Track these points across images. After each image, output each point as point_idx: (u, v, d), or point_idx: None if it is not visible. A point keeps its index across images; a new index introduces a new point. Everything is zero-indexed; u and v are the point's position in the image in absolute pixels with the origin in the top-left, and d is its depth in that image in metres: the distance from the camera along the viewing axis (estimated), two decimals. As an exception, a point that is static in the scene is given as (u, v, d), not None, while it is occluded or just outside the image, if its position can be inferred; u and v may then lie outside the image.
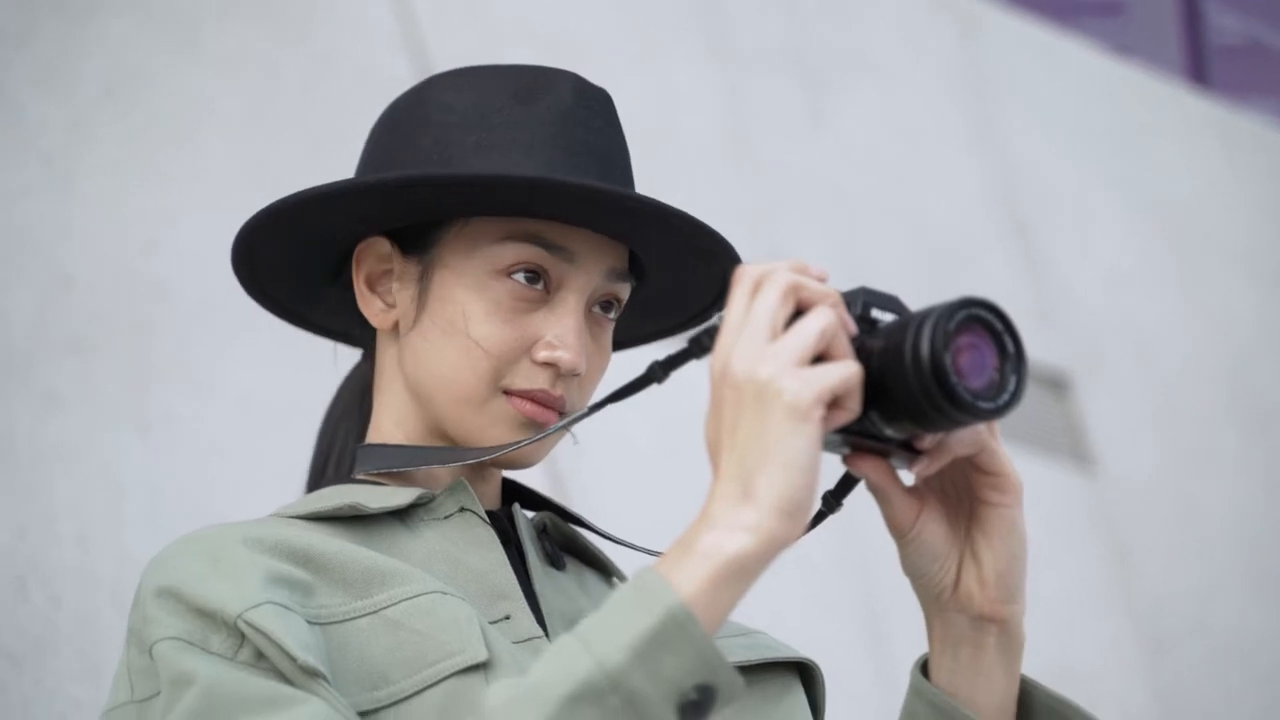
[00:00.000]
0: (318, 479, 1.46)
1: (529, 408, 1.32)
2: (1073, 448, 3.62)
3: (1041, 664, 3.07)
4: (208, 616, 1.16)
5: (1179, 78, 4.63)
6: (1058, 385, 3.64)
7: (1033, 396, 3.55)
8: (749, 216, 3.13)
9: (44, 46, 2.19)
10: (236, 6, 2.43)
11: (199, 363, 2.17)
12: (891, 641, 2.83)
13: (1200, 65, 4.91)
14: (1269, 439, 3.98)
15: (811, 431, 1.03)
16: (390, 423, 1.37)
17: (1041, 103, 3.96)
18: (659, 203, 1.32)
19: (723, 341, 1.07)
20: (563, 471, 2.53)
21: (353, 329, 1.44)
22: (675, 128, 3.08)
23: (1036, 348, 3.53)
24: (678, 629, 1.02)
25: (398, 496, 1.32)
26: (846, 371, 1.05)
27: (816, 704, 1.38)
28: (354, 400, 1.46)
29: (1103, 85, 4.14)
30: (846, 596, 2.88)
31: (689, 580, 1.03)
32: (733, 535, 1.03)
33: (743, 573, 1.04)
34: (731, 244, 1.38)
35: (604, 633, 1.03)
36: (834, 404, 1.06)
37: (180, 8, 2.36)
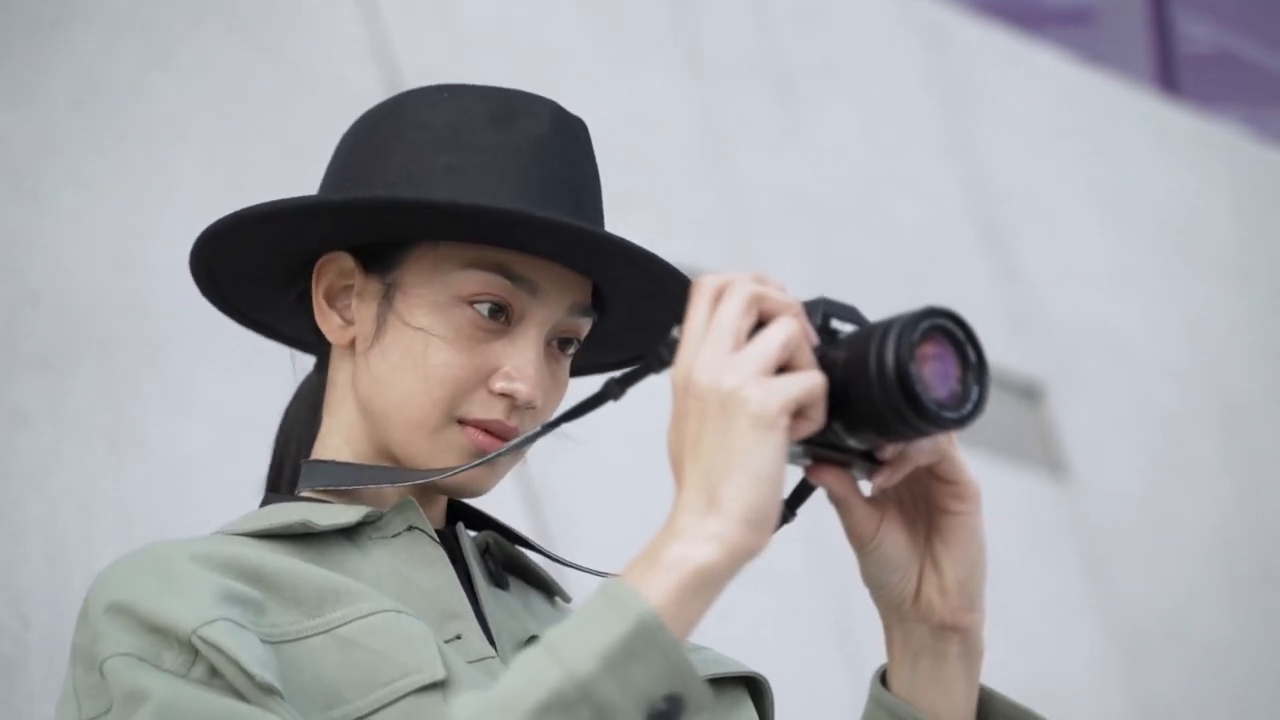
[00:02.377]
0: (274, 489, 1.45)
1: (482, 438, 1.31)
2: (1046, 456, 3.62)
3: (1017, 674, 3.08)
4: (160, 633, 1.15)
5: (1149, 86, 4.65)
6: (1031, 394, 3.64)
7: (1006, 405, 3.55)
8: (723, 228, 3.13)
9: (10, 59, 2.18)
10: (206, 19, 2.42)
11: (170, 379, 2.16)
12: (865, 654, 2.82)
13: (1170, 74, 4.92)
14: (1244, 445, 3.98)
15: (777, 441, 1.03)
16: (339, 439, 1.36)
17: (1013, 112, 3.97)
18: (628, 243, 1.32)
19: (684, 352, 1.07)
20: (537, 487, 2.52)
21: (306, 336, 1.43)
22: (649, 140, 3.07)
23: (1010, 356, 3.54)
24: (648, 638, 1.02)
25: (346, 514, 1.31)
26: (811, 382, 1.05)
27: (765, 717, 1.38)
28: (305, 413, 1.45)
29: (1073, 94, 4.15)
30: (820, 609, 2.87)
31: (657, 590, 1.03)
32: (699, 546, 1.03)
33: (709, 583, 1.03)
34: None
35: (573, 642, 1.03)
36: (798, 415, 1.06)
37: (149, 20, 2.34)
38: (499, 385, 1.31)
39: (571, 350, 1.37)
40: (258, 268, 1.40)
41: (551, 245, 1.31)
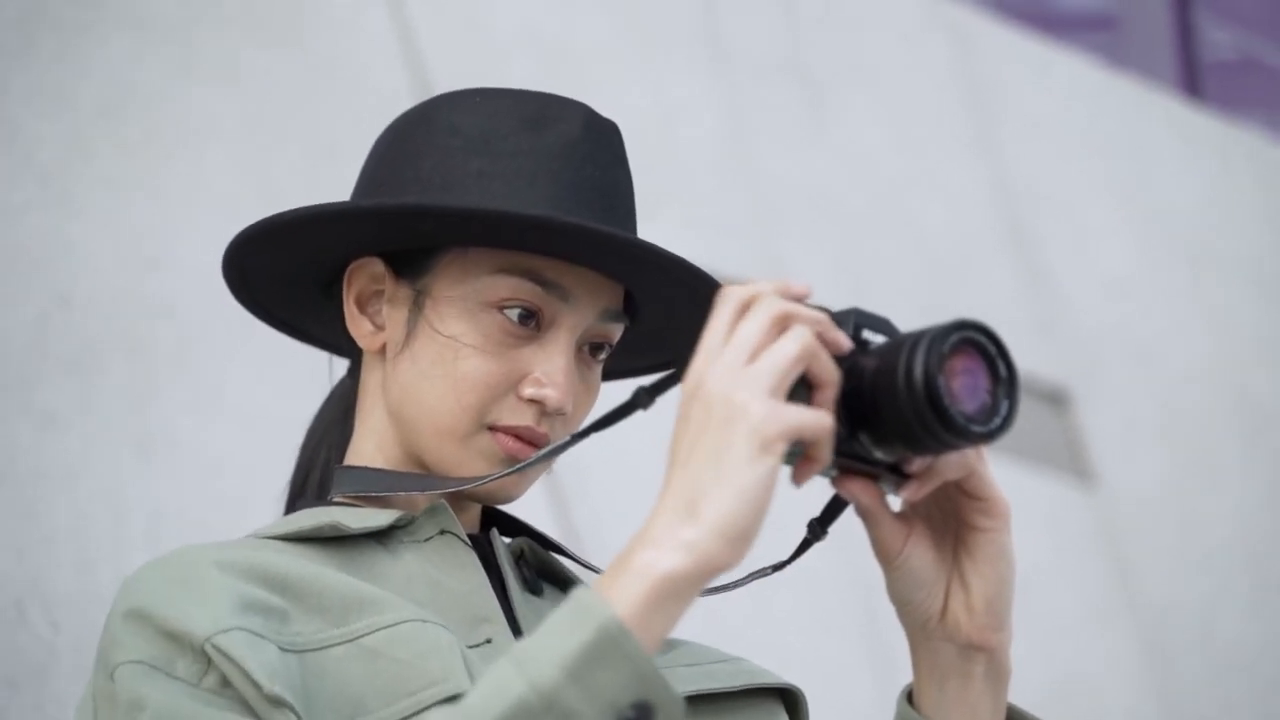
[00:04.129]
0: (297, 496, 1.44)
1: (512, 444, 1.30)
2: (1073, 462, 3.61)
3: (1046, 678, 3.07)
4: (175, 639, 1.14)
5: (1173, 91, 4.64)
6: (1057, 399, 3.63)
7: (1032, 410, 3.54)
8: (748, 227, 3.12)
9: (40, 64, 2.18)
10: (232, 20, 2.42)
11: (200, 381, 2.16)
12: (893, 660, 2.81)
13: (1194, 79, 4.91)
14: (1270, 450, 3.97)
15: (770, 463, 1.01)
16: (371, 445, 1.35)
17: (1037, 115, 3.96)
18: (657, 248, 1.31)
19: (699, 359, 1.05)
20: (565, 491, 2.51)
21: (339, 341, 1.42)
22: (674, 138, 3.07)
23: (1036, 361, 3.53)
24: (611, 645, 1.00)
25: (377, 518, 1.30)
26: (819, 422, 1.03)
27: None
28: (336, 418, 1.44)
29: (1098, 98, 4.14)
30: (849, 617, 2.86)
31: (623, 598, 1.01)
32: (669, 553, 1.01)
33: (675, 593, 1.02)
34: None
35: (537, 652, 1.01)
36: (806, 454, 1.05)
37: (176, 22, 2.34)
38: (529, 392, 1.30)
39: (603, 356, 1.36)
40: (290, 272, 1.40)
41: (581, 250, 1.30)
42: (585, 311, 1.32)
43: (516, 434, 1.30)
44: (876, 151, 3.51)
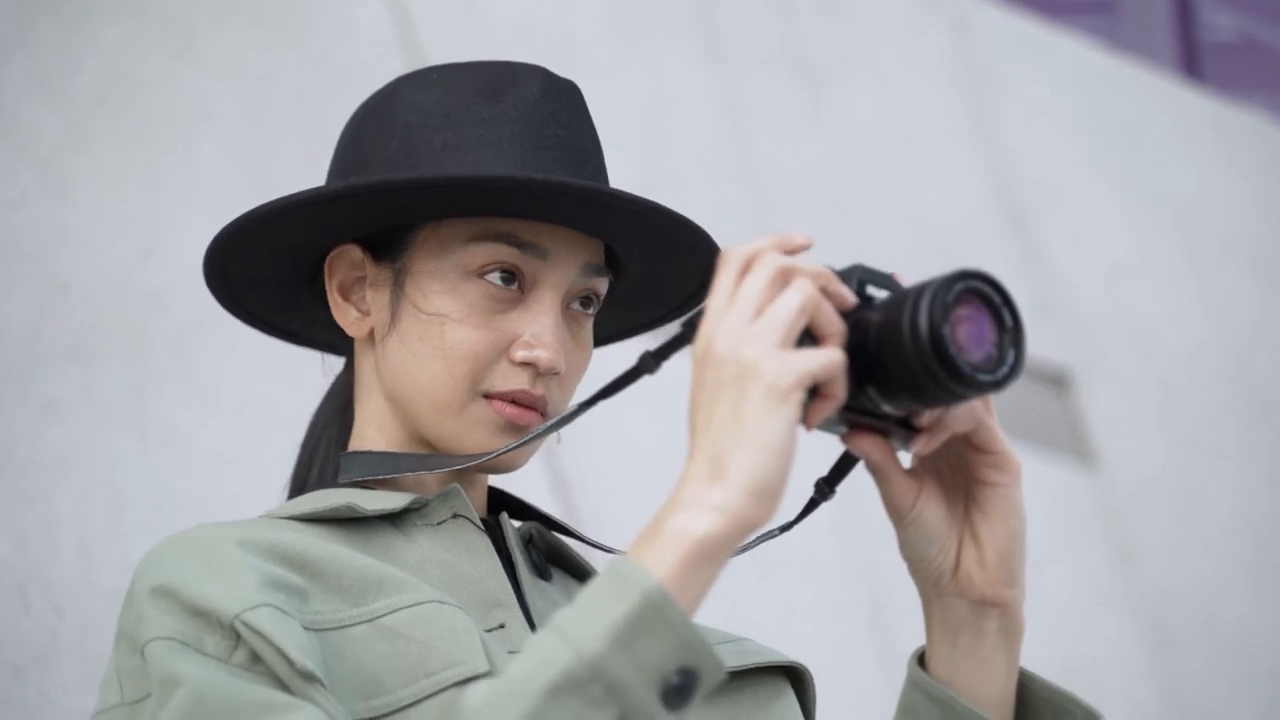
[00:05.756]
0: (299, 491, 1.44)
1: (509, 410, 1.30)
2: (1074, 444, 3.61)
3: (1047, 661, 3.06)
4: (203, 616, 1.14)
5: (1172, 74, 4.63)
6: (1058, 382, 3.63)
7: (1033, 393, 3.54)
8: (747, 215, 3.12)
9: (38, 53, 2.18)
10: (231, 11, 2.42)
11: (199, 370, 2.16)
12: (898, 642, 2.81)
13: (1193, 62, 4.90)
14: (1271, 432, 3.97)
15: (789, 414, 1.02)
16: (372, 430, 1.36)
17: (1036, 99, 3.95)
18: (631, 196, 1.30)
19: (707, 322, 1.06)
20: (568, 475, 2.52)
21: (331, 338, 1.42)
22: (672, 127, 3.07)
23: (1037, 344, 3.52)
24: (655, 613, 1.00)
25: (391, 500, 1.30)
26: (830, 358, 1.04)
27: (807, 708, 1.37)
28: (336, 411, 1.44)
29: (1097, 81, 4.14)
30: (853, 598, 2.87)
31: (661, 564, 1.01)
32: (701, 516, 1.02)
33: (711, 554, 1.02)
34: (708, 233, 1.36)
35: (581, 622, 1.02)
36: (819, 393, 1.05)
37: (174, 13, 2.35)
38: (520, 355, 1.30)
39: (593, 310, 1.36)
40: (272, 272, 1.40)
41: (551, 208, 1.30)
42: (566, 268, 1.32)
43: (513, 399, 1.30)
44: (874, 137, 3.50)
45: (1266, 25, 5.47)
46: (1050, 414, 3.58)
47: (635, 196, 1.30)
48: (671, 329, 1.14)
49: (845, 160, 3.41)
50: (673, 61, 3.16)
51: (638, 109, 2.96)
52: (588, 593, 1.03)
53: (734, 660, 1.31)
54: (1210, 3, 5.14)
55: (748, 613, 2.35)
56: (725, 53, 3.27)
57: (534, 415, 1.31)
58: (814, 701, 1.37)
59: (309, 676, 1.12)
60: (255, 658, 1.12)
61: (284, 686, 1.12)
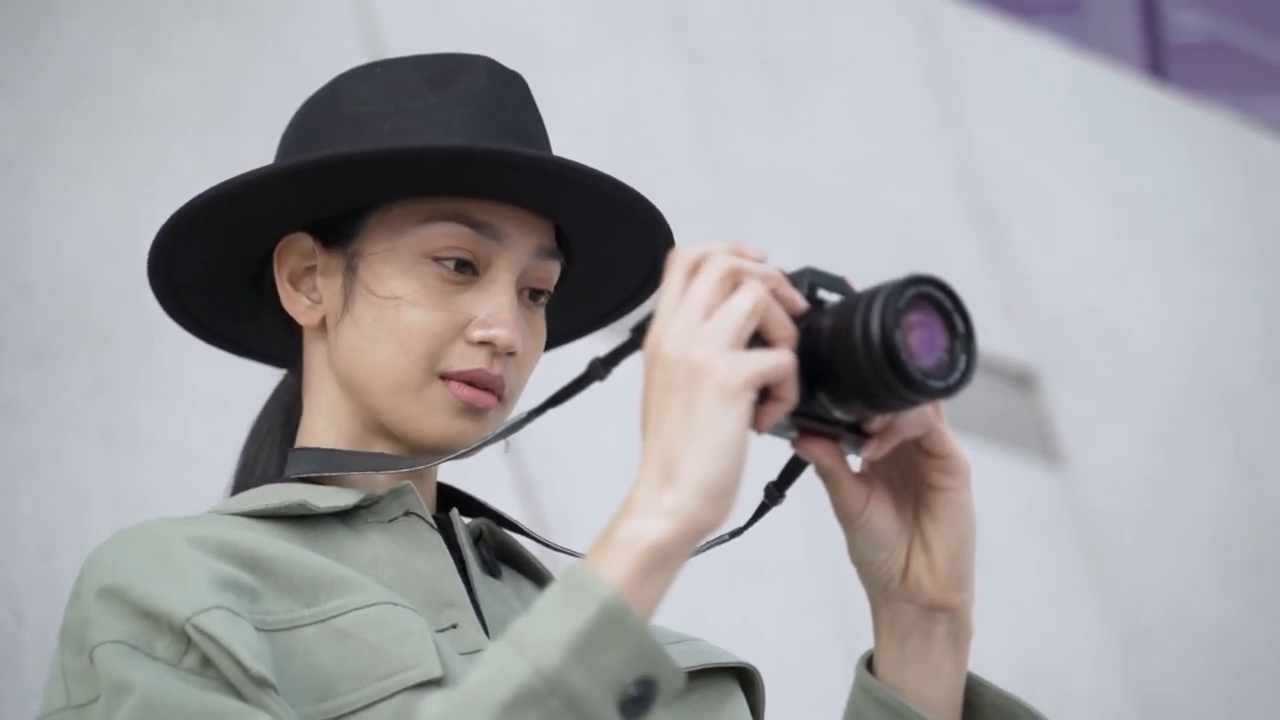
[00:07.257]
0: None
1: (466, 392, 1.29)
2: (1041, 443, 3.61)
3: (1015, 663, 3.07)
4: (153, 619, 1.12)
5: (1139, 73, 4.64)
6: (1024, 380, 3.63)
7: (999, 391, 3.54)
8: (716, 213, 3.12)
9: (0, 50, 2.16)
10: (196, 8, 2.40)
11: (162, 370, 2.14)
12: (868, 643, 2.81)
13: (1159, 61, 4.91)
14: (1240, 430, 3.98)
15: (740, 413, 1.01)
16: (322, 421, 1.34)
17: (1004, 97, 3.96)
18: (584, 167, 1.29)
19: (657, 323, 1.05)
20: (532, 476, 2.51)
21: (274, 347, 1.40)
22: (640, 126, 3.06)
23: (1004, 342, 3.53)
24: (613, 623, 0.99)
25: (343, 497, 1.28)
26: (781, 360, 1.03)
27: (756, 709, 1.36)
28: (281, 411, 1.42)
29: (1065, 80, 4.15)
30: (820, 599, 2.86)
31: (615, 572, 1.00)
32: (653, 521, 1.01)
33: (664, 560, 1.01)
34: (660, 211, 1.36)
35: (537, 633, 1.00)
36: (769, 395, 1.04)
37: (138, 9, 2.33)
38: (477, 334, 1.30)
39: (543, 301, 1.35)
40: (216, 272, 1.38)
41: (503, 182, 1.29)
42: (520, 250, 1.32)
43: (469, 379, 1.30)
44: (844, 136, 3.50)
45: (1233, 25, 5.49)
46: (1018, 413, 3.58)
47: (588, 167, 1.30)
48: (622, 334, 1.13)
49: (814, 158, 3.40)
50: (642, 58, 3.15)
51: (607, 108, 2.95)
52: (543, 601, 1.02)
53: (685, 661, 1.30)
54: (1176, 3, 5.15)
55: (715, 614, 2.34)
56: (694, 49, 3.27)
57: (490, 397, 1.30)
58: (763, 703, 1.37)
59: (262, 682, 1.10)
60: (207, 662, 1.11)
61: (236, 692, 1.10)
